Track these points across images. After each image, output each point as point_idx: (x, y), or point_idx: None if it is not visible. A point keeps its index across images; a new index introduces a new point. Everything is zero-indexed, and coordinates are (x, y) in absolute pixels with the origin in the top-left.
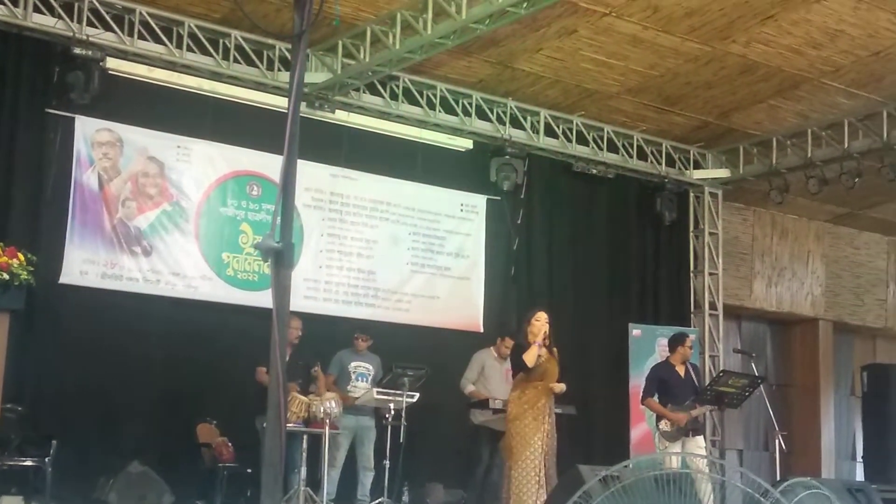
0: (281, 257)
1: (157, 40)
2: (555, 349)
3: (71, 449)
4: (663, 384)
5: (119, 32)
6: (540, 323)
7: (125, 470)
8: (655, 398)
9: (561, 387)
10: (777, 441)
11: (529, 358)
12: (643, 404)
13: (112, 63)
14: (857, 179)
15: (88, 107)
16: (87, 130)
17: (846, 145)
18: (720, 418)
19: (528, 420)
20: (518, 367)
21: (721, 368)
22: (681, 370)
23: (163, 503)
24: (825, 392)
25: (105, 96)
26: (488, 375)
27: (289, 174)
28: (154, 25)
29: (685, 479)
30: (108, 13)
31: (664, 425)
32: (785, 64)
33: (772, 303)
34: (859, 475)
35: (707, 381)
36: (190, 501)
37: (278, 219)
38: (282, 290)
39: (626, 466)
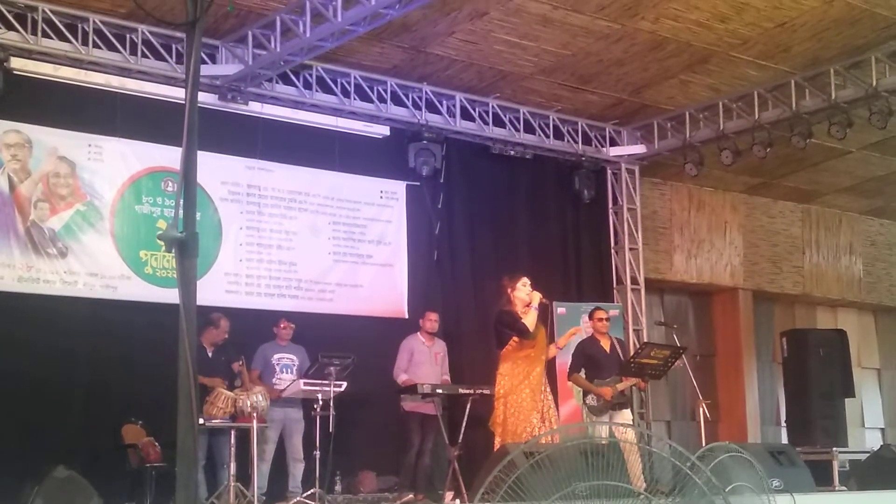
0: (185, 247)
1: (62, 38)
2: None
3: None
4: (589, 359)
5: (22, 31)
6: (527, 288)
7: (50, 475)
8: (582, 374)
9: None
10: (701, 410)
11: (531, 321)
12: (569, 380)
13: (16, 63)
14: (768, 149)
15: None
16: None
17: (757, 116)
18: (646, 390)
19: (525, 394)
20: (509, 335)
21: (644, 341)
22: (606, 345)
23: None
24: (748, 360)
25: (11, 97)
26: (417, 361)
27: (189, 163)
28: (58, 23)
29: (613, 450)
30: (9, 12)
31: (591, 400)
32: (694, 38)
33: (692, 275)
34: (784, 439)
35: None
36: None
37: (181, 209)
38: (187, 280)
39: (548, 440)
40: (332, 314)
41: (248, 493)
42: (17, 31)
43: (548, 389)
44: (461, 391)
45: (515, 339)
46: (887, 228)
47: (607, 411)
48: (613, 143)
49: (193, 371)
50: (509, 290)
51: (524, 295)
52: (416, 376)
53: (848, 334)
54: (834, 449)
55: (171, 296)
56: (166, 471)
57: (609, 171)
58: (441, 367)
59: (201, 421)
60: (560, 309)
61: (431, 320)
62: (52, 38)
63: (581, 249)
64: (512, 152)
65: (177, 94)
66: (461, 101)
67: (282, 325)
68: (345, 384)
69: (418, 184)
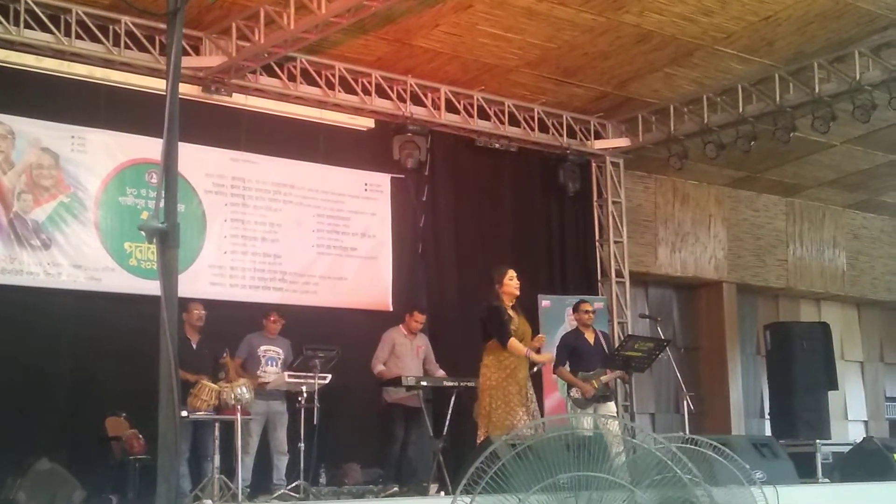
0: (166, 238)
1: (45, 29)
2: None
3: None
4: (574, 352)
5: (4, 22)
6: (514, 282)
7: (33, 468)
8: (566, 367)
9: (546, 357)
10: (685, 402)
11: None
12: (554, 373)
13: None
14: (752, 143)
15: None
16: None
17: (741, 110)
18: (630, 383)
19: (513, 389)
20: (496, 331)
21: (628, 334)
22: (590, 337)
23: (74, 500)
24: (731, 353)
25: None
26: (399, 354)
27: (170, 154)
28: (40, 14)
29: (597, 442)
30: None
31: (575, 392)
32: (678, 32)
33: (676, 268)
34: (768, 432)
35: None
36: (102, 496)
37: (162, 200)
38: (168, 270)
39: (534, 430)
40: (316, 307)
41: (232, 485)
42: None
43: (533, 397)
44: (446, 383)
45: None
46: (870, 222)
47: (591, 404)
48: (598, 136)
49: (175, 362)
50: (496, 285)
51: (513, 289)
52: (398, 369)
53: (831, 327)
54: (817, 441)
55: (155, 288)
56: (150, 463)
57: (594, 164)
58: (423, 361)
59: (185, 413)
60: (545, 302)
61: (417, 321)
62: (34, 29)
63: (566, 242)
64: (497, 145)
65: (161, 85)
66: (446, 93)
67: (272, 319)
68: (329, 377)
69: (403, 176)
